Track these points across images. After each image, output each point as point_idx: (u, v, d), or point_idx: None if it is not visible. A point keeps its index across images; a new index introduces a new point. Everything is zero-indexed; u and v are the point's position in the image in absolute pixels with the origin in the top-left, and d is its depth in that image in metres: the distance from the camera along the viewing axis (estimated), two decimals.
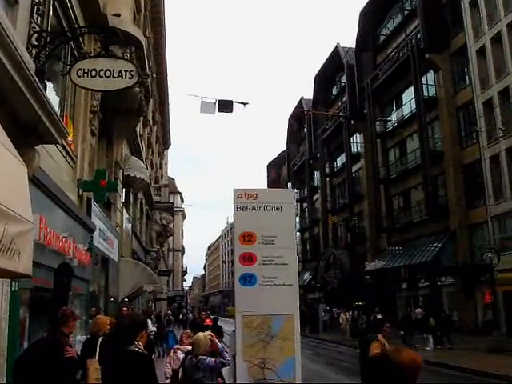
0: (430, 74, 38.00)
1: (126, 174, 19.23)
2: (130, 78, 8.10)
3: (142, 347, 4.51)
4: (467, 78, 34.80)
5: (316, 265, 52.88)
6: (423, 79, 37.73)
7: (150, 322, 19.15)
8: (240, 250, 5.42)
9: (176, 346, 8.53)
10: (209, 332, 6.97)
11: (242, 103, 18.46)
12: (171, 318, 29.67)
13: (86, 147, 12.04)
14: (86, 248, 10.91)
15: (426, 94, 37.55)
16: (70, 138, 11.14)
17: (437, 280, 35.42)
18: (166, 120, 46.74)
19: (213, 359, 6.30)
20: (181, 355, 7.90)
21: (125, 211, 20.41)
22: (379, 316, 26.98)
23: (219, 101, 18.55)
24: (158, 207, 34.46)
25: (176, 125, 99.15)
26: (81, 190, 11.46)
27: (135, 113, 16.40)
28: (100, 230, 13.54)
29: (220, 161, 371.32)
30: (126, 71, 8.08)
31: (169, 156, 63.07)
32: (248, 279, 5.25)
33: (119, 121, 16.24)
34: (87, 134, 12.24)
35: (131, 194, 23.32)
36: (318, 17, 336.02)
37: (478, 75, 32.84)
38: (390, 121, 43.30)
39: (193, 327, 12.54)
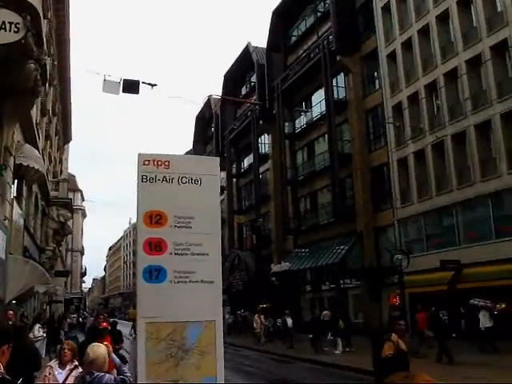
0: (341, 77, 38.05)
1: (18, 162, 17.36)
2: (15, 32, 6.72)
3: (1, 368, 3.18)
4: (377, 81, 35.04)
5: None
6: (334, 81, 37.68)
7: (37, 326, 17.43)
8: (145, 235, 4.02)
9: (52, 363, 6.91)
10: (105, 343, 5.77)
11: (150, 84, 16.99)
12: (73, 321, 27.61)
13: None
14: None
15: (336, 96, 37.51)
16: None
17: (342, 282, 35.41)
18: (68, 112, 44.26)
19: (111, 376, 5.12)
20: (59, 375, 6.54)
21: (16, 205, 18.50)
22: (289, 318, 26.34)
23: (124, 80, 17.01)
24: (56, 203, 32.13)
25: (78, 119, 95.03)
26: None
27: (29, 93, 14.69)
28: None
29: (123, 157, 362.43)
30: (10, 23, 6.68)
31: (69, 151, 60.15)
32: (155, 274, 3.90)
33: (11, 102, 14.48)
34: None
35: (24, 187, 21.31)
36: (230, 15, 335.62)
37: (388, 79, 33.10)
38: (305, 118, 42.89)
39: (90, 332, 11.08)
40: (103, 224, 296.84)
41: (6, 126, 14.95)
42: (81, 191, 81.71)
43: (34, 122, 21.18)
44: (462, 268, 26.17)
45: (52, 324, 20.56)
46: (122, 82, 16.98)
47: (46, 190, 28.73)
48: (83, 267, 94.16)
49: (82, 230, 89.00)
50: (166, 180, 4.07)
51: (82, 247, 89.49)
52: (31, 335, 15.07)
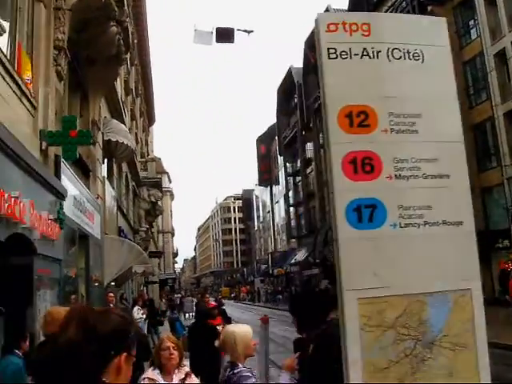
0: None
1: (106, 138, 16.53)
2: None
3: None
4: (474, 30, 32.24)
5: (313, 240, 50.43)
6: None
7: (136, 308, 16.64)
8: (343, 147, 2.45)
9: (150, 372, 4.56)
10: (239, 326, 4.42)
11: (246, 31, 15.39)
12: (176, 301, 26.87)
13: (50, 92, 9.36)
14: (53, 218, 8.30)
15: None
16: (27, 77, 8.50)
17: None
18: (150, 94, 43.90)
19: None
20: None
21: (108, 183, 17.75)
22: None
23: (217, 29, 15.40)
24: (146, 183, 31.72)
25: (160, 101, 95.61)
26: (44, 144, 8.81)
27: (113, 61, 13.70)
28: (75, 198, 10.92)
29: (207, 137, 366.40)
30: None
31: (154, 134, 60.22)
32: (366, 213, 2.30)
33: (94, 72, 13.52)
34: (51, 75, 9.55)
35: (114, 165, 20.62)
36: None
37: (488, 26, 30.29)
38: None
39: (199, 313, 9.97)
40: (193, 205, 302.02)
41: (92, 98, 14.05)
42: (167, 173, 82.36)
43: (120, 98, 20.38)
44: None
45: (152, 305, 19.83)
46: (214, 31, 15.48)
47: (136, 169, 28.19)
48: (175, 248, 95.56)
49: (171, 212, 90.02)
50: (369, 55, 2.45)
51: (173, 228, 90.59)
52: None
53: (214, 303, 11.04)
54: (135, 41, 28.80)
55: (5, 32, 5.45)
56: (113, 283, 15.91)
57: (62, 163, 9.63)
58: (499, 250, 29.70)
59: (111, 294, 12.35)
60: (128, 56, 15.92)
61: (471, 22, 32.72)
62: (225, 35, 15.11)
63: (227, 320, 10.88)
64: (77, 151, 9.38)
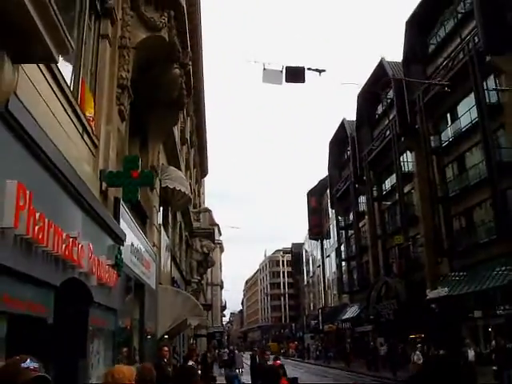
0: (490, 80, 34.44)
1: (163, 185, 16.14)
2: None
3: None
4: None
5: (367, 295, 48.83)
6: (483, 85, 34.16)
7: (190, 363, 15.78)
8: None
9: None
10: None
11: (318, 70, 14.73)
12: (229, 355, 25.79)
13: (112, 130, 8.95)
14: (111, 263, 7.73)
15: (487, 100, 33.94)
16: (89, 114, 8.10)
17: None
18: (204, 145, 44.04)
19: None
20: None
21: (163, 232, 17.28)
22: (470, 350, 22.80)
23: (287, 68, 14.77)
24: (198, 234, 31.29)
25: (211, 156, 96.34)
26: (104, 184, 8.32)
27: (174, 105, 13.37)
28: (132, 245, 10.37)
29: (256, 193, 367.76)
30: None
31: (205, 186, 60.36)
32: None
33: (155, 115, 13.22)
34: (113, 113, 9.17)
35: (170, 214, 20.21)
36: (361, 30, 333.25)
37: None
38: (452, 129, 39.23)
39: (265, 373, 9.03)
40: (239, 258, 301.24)
41: (152, 143, 13.70)
42: (217, 225, 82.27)
43: (177, 145, 20.14)
44: None
45: (205, 361, 18.91)
46: (284, 71, 14.91)
47: (189, 219, 27.84)
48: (223, 301, 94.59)
49: (221, 264, 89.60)
50: None
51: (221, 281, 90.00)
52: None
53: (279, 361, 10.10)
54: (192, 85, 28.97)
55: (73, 50, 5.00)
56: (166, 336, 15.20)
57: (121, 206, 9.13)
58: None
59: (166, 348, 11.60)
60: (187, 101, 15.60)
61: None
62: (295, 75, 14.59)
63: (292, 381, 9.97)
64: (138, 193, 8.88)
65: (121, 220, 9.10)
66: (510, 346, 21.15)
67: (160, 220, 17.03)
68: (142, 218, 13.04)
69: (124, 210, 9.46)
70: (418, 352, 24.75)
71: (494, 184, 31.87)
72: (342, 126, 60.81)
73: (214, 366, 32.31)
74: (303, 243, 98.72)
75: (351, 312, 57.14)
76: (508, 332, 28.56)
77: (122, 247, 8.55)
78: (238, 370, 32.20)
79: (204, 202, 56.38)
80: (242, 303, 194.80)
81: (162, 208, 17.78)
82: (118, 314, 8.67)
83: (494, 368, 20.81)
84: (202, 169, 46.80)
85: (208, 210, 34.86)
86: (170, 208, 19.37)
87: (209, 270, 54.15)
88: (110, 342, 8.22)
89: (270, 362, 12.62)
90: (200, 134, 39.74)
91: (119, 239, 8.45)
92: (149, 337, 12.89)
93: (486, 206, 35.02)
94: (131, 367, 4.51)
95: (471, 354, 22.06)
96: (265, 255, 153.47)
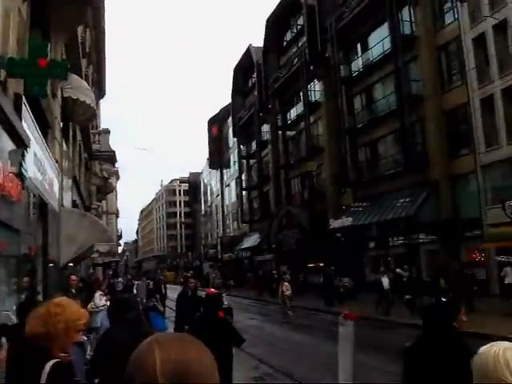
0: (405, 11, 33.83)
1: (66, 95, 14.11)
2: None
3: None
4: (452, 12, 30.89)
5: (269, 224, 48.67)
6: (398, 15, 33.51)
7: (98, 294, 14.31)
8: None
9: None
10: None
11: None
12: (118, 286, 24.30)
13: (11, 9, 7.04)
14: (14, 171, 6.07)
15: (401, 32, 33.40)
16: None
17: (415, 237, 31.98)
18: (102, 64, 40.90)
19: None
20: None
21: (65, 147, 15.34)
22: (384, 277, 22.67)
23: None
24: (98, 156, 29.15)
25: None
26: (3, 73, 6.51)
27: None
28: (36, 155, 8.60)
29: (153, 120, 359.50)
30: None
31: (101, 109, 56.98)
32: None
33: (59, 7, 11.14)
34: None
35: (70, 130, 18.13)
36: None
37: (467, 8, 29.01)
38: (363, 60, 38.55)
39: (209, 302, 7.60)
40: (134, 188, 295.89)
41: (54, 40, 11.63)
42: (114, 151, 78.91)
43: (80, 54, 17.87)
44: None
45: (114, 291, 17.47)
46: None
47: (89, 140, 25.63)
48: (119, 230, 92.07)
49: (116, 192, 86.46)
50: None
51: (117, 210, 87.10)
52: (92, 305, 11.97)
53: (213, 290, 8.86)
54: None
55: None
56: (71, 264, 13.58)
57: (23, 105, 7.34)
58: (469, 239, 28.73)
59: (74, 277, 10.12)
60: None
61: (448, 5, 31.39)
62: None
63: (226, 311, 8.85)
64: (46, 87, 7.13)
65: (23, 123, 7.33)
66: (422, 277, 21.30)
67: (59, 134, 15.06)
68: (44, 129, 11.15)
69: (27, 111, 7.66)
70: (286, 283, 24.57)
71: (403, 116, 31.79)
72: (248, 52, 58.91)
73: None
74: (201, 172, 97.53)
75: (251, 241, 57.11)
76: (408, 262, 29.22)
77: (25, 153, 6.84)
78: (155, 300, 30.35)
79: (100, 126, 53.31)
80: (137, 233, 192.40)
81: (62, 122, 15.76)
82: (21, 237, 7.05)
83: (408, 297, 20.94)
84: (99, 88, 43.74)
85: (108, 131, 32.46)
86: (70, 123, 17.33)
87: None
88: (12, 271, 6.63)
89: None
90: (99, 49, 36.70)
91: (23, 143, 6.73)
92: (51, 265, 11.26)
93: (393, 139, 35.14)
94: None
95: (386, 281, 22.03)
96: (161, 185, 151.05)
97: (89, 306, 11.24)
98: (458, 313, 3.83)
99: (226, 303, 13.21)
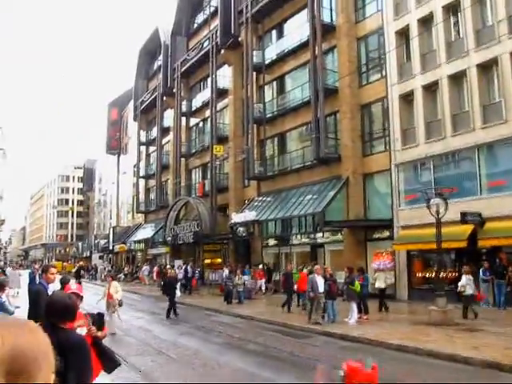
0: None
1: None
2: None
3: None
4: (375, 4, 29.47)
5: (166, 215, 45.67)
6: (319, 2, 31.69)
7: None
8: None
9: None
10: None
11: None
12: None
13: None
14: None
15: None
16: None
17: (321, 236, 30.37)
18: None
19: None
20: None
21: None
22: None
23: None
24: None
25: None
26: None
27: None
28: None
29: (49, 96, 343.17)
30: None
31: None
32: None
33: None
34: None
35: None
36: None
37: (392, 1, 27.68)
38: (278, 47, 36.34)
39: None
40: (25, 172, 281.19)
41: None
42: (0, 128, 72.80)
43: None
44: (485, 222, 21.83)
45: None
46: None
47: None
48: (2, 216, 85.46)
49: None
50: None
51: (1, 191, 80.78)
52: None
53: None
54: None
55: None
56: None
57: None
58: (378, 240, 27.41)
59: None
60: None
61: None
62: None
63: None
64: None
65: None
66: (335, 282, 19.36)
67: None
68: None
69: None
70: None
71: (316, 108, 30.05)
72: (156, 32, 55.46)
73: None
74: (97, 160, 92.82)
75: (145, 233, 53.89)
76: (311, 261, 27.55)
77: None
78: (13, 291, 25.93)
79: None
80: (26, 219, 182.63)
81: None
82: None
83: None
84: None
85: None
86: None
87: None
88: None
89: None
90: None
91: None
92: None
93: (304, 131, 33.41)
94: None
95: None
96: (54, 169, 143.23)
97: None
98: None
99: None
